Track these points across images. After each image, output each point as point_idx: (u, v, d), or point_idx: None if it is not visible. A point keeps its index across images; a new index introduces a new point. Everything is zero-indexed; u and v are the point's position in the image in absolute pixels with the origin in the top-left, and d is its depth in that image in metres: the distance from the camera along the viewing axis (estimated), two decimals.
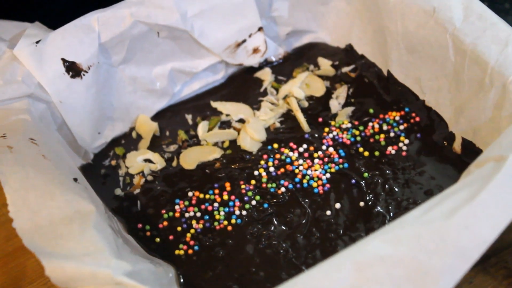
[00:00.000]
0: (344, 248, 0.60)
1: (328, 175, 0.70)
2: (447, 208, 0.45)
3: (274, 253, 0.64)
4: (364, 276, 0.43)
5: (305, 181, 0.70)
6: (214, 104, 0.80)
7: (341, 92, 0.79)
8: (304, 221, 0.66)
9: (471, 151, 0.67)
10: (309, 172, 0.71)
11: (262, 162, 0.72)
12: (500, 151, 0.48)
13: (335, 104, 0.78)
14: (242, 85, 0.84)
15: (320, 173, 0.70)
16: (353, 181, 0.69)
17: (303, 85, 0.81)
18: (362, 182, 0.69)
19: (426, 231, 0.44)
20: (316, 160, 0.72)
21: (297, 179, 0.70)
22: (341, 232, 0.65)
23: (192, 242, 0.66)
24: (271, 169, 0.71)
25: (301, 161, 0.72)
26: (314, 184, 0.69)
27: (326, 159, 0.72)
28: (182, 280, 0.63)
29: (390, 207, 0.66)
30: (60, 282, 0.49)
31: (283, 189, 0.69)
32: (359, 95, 0.79)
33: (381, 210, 0.66)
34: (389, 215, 0.66)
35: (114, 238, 0.56)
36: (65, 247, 0.51)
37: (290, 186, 0.70)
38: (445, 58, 0.66)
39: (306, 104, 0.79)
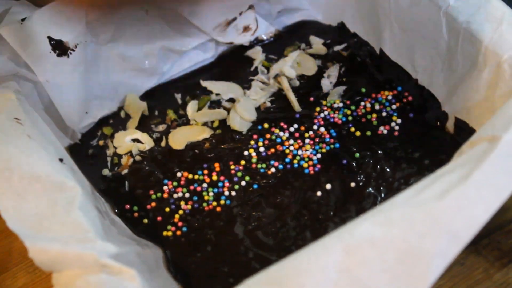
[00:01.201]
0: (335, 230, 0.61)
1: (319, 155, 0.69)
2: (439, 189, 0.44)
3: (263, 234, 0.63)
4: (354, 259, 0.42)
5: (295, 161, 0.69)
6: (204, 83, 0.79)
7: (333, 71, 0.78)
8: (294, 202, 0.65)
9: (464, 131, 0.66)
10: (299, 152, 0.70)
11: (252, 142, 0.71)
12: (493, 131, 0.47)
13: (326, 83, 0.77)
14: (232, 64, 0.82)
15: (311, 153, 0.69)
16: (344, 161, 0.68)
17: (294, 64, 0.79)
18: (354, 163, 0.68)
19: (417, 213, 0.43)
20: (307, 140, 0.71)
21: (287, 160, 0.69)
22: (331, 213, 0.64)
23: (180, 223, 0.65)
24: (261, 149, 0.71)
25: (291, 141, 0.71)
26: (305, 165, 0.68)
27: (317, 139, 0.71)
28: (170, 262, 0.62)
29: (381, 188, 0.65)
30: (44, 264, 0.48)
31: (273, 170, 0.68)
32: (351, 74, 0.78)
33: (372, 191, 0.65)
34: (380, 196, 0.65)
35: (100, 220, 0.55)
36: (49, 229, 0.50)
37: (280, 166, 0.69)
38: (438, 36, 0.65)
39: (297, 83, 0.78)
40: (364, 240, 0.42)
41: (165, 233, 0.65)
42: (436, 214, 0.42)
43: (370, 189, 0.65)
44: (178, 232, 0.65)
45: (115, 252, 0.50)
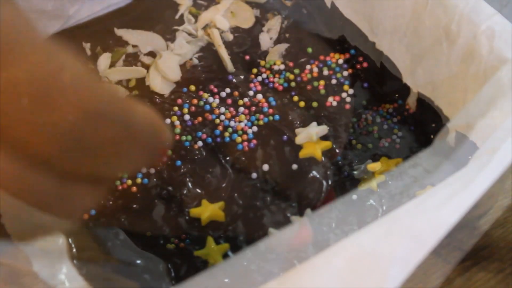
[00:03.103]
0: (270, 219, 0.62)
1: (255, 128, 0.68)
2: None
3: (186, 222, 0.62)
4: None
5: (227, 134, 0.68)
6: (119, 31, 0.76)
7: (274, 24, 0.77)
8: (224, 184, 0.64)
9: (428, 110, 0.66)
10: (232, 123, 0.68)
11: (176, 108, 0.69)
12: (467, 119, 0.50)
13: (266, 39, 0.75)
14: (154, 9, 0.79)
15: (246, 125, 0.68)
16: (285, 137, 0.67)
17: (228, 13, 0.78)
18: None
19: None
20: (241, 109, 0.69)
21: (217, 131, 0.68)
22: (268, 200, 0.63)
23: None
24: (186, 117, 0.69)
25: (223, 109, 0.69)
26: (238, 139, 0.67)
27: (253, 108, 0.69)
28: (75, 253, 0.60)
29: (328, 173, 0.65)
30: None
31: (200, 143, 0.67)
32: (295, 30, 0.77)
33: (318, 176, 0.64)
34: (327, 182, 0.64)
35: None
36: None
37: (209, 140, 0.67)
38: None
39: (230, 37, 0.76)
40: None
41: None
42: (395, 214, 0.44)
43: (315, 173, 0.65)
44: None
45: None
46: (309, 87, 0.71)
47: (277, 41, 0.75)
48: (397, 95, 0.70)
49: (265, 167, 0.65)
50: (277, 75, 0.72)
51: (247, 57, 0.74)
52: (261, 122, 0.68)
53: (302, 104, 0.70)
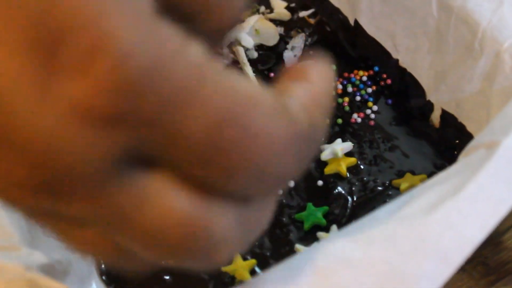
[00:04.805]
0: (296, 236, 0.62)
1: None
2: (427, 202, 0.43)
3: None
4: (328, 283, 0.41)
5: None
6: None
7: (298, 42, 0.78)
8: None
9: (451, 126, 0.66)
10: None
11: None
12: (492, 136, 0.46)
13: (290, 56, 0.76)
14: None
15: None
16: None
17: (253, 31, 0.79)
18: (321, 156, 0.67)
19: (401, 230, 0.42)
20: None
21: None
22: (294, 216, 0.64)
23: None
24: None
25: None
26: None
27: None
28: (103, 269, 0.61)
29: (353, 189, 0.65)
30: None
31: None
32: (319, 47, 0.79)
33: (343, 192, 0.65)
34: (352, 198, 0.65)
35: (26, 221, 0.52)
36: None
37: None
38: (426, 13, 0.65)
39: (255, 54, 0.77)
40: (339, 261, 0.42)
41: None
42: (422, 231, 0.42)
43: (340, 189, 0.66)
44: None
45: (45, 262, 0.49)
46: (333, 104, 0.72)
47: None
48: (420, 112, 0.70)
49: (291, 183, 0.66)
50: None
51: (272, 75, 0.75)
52: None
53: (326, 120, 0.70)
